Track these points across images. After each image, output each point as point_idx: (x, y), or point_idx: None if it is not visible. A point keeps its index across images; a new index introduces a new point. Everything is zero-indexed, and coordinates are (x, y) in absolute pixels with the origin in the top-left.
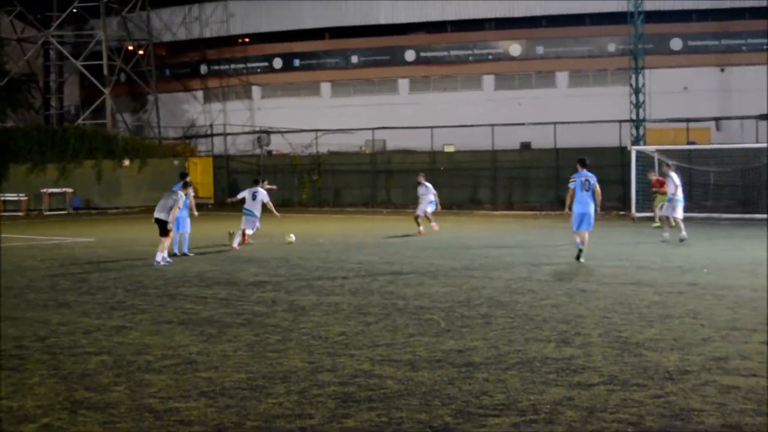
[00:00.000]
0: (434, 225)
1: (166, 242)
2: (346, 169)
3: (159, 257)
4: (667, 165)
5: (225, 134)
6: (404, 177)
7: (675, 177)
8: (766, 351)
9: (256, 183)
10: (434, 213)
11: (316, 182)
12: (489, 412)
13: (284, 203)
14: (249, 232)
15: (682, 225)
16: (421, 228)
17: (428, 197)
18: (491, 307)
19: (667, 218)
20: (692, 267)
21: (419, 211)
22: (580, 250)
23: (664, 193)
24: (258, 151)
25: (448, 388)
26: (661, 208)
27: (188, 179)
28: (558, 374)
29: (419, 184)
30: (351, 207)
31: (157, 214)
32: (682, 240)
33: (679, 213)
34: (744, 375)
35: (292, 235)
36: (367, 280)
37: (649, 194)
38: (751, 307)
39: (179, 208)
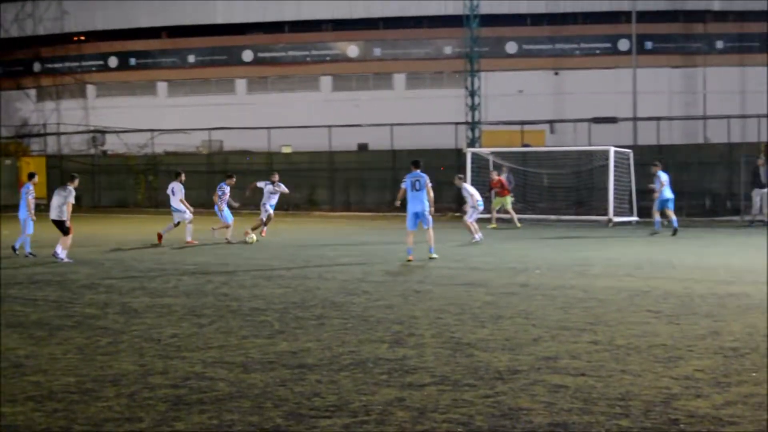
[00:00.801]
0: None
1: (67, 240)
2: (183, 169)
3: (60, 252)
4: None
5: (59, 133)
6: (241, 177)
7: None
8: (594, 350)
9: (177, 176)
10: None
11: (152, 183)
12: (321, 413)
13: (120, 203)
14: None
15: (474, 227)
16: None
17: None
18: (326, 308)
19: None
20: (525, 268)
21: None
22: (429, 248)
23: (503, 195)
24: (92, 150)
25: (280, 389)
26: (499, 210)
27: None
28: (390, 375)
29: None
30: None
31: (51, 216)
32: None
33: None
34: (572, 374)
35: (252, 235)
36: (201, 281)
37: (487, 195)
38: (581, 307)
39: (72, 203)
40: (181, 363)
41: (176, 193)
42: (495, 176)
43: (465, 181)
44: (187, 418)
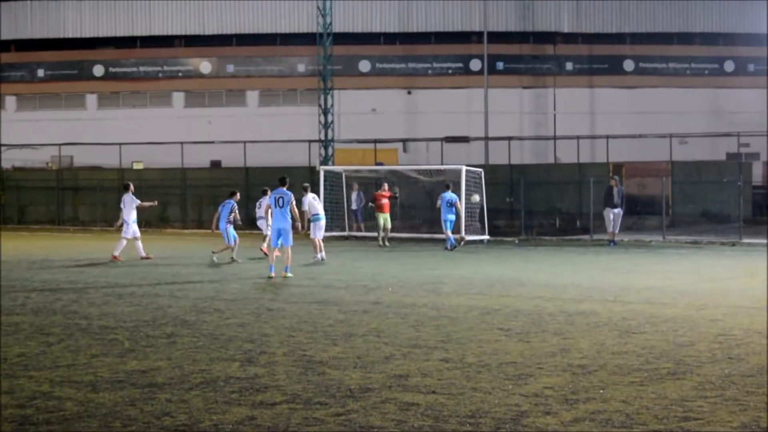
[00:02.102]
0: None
1: None
2: (32, 185)
3: None
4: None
5: None
6: (92, 194)
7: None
8: (445, 368)
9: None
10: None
11: None
12: None
13: None
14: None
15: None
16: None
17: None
18: (177, 326)
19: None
20: (378, 286)
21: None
22: (285, 268)
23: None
24: None
25: (129, 409)
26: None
27: None
28: (241, 393)
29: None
30: (36, 224)
31: None
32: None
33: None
34: (423, 392)
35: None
36: (50, 299)
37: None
38: (433, 325)
39: None
40: (28, 382)
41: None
42: (386, 187)
43: (308, 192)
44: None
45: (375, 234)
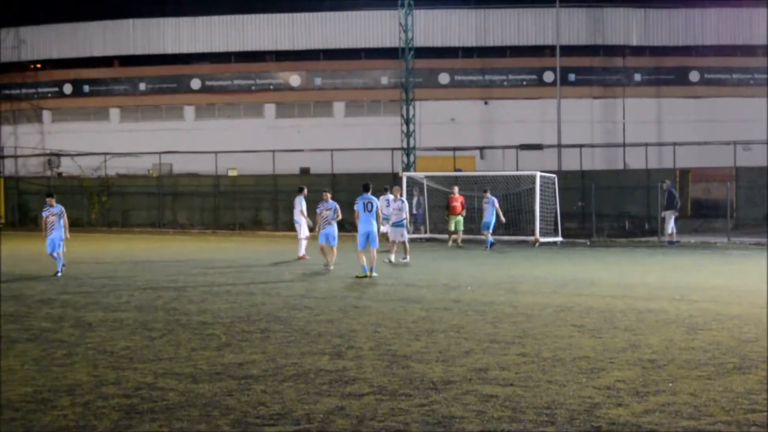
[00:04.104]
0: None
1: None
2: (134, 191)
3: None
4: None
5: (16, 156)
6: (189, 199)
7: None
8: (523, 362)
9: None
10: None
11: (105, 203)
12: (266, 421)
13: (74, 223)
14: None
15: (405, 248)
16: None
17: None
18: (270, 322)
19: (394, 242)
20: (457, 285)
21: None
22: (371, 268)
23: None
24: (48, 173)
25: (227, 399)
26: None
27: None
28: (331, 385)
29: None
30: (138, 227)
31: None
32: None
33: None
34: (502, 384)
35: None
36: (152, 296)
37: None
38: (510, 321)
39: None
40: (133, 374)
41: (296, 206)
42: (456, 191)
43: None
44: (139, 426)
45: (444, 236)
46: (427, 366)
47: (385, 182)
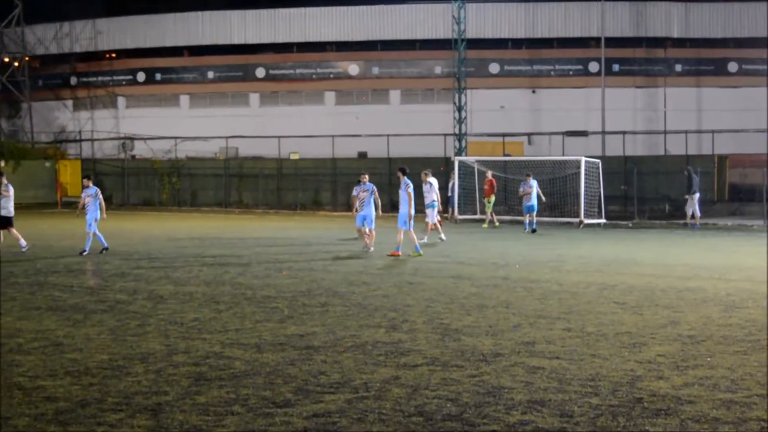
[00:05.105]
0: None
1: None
2: (202, 173)
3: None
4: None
5: (92, 140)
6: (254, 180)
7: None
8: (568, 336)
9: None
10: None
11: (175, 184)
12: (326, 389)
13: (146, 203)
14: None
15: (438, 228)
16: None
17: (431, 196)
18: (329, 296)
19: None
20: (506, 263)
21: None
22: (397, 246)
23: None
24: (122, 155)
25: (289, 368)
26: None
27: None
28: (387, 356)
29: (423, 182)
30: (206, 207)
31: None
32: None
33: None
34: (548, 357)
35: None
36: (219, 272)
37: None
38: (556, 298)
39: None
40: (202, 344)
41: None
42: (489, 175)
43: (430, 177)
44: (207, 392)
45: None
46: (478, 339)
47: (438, 165)
